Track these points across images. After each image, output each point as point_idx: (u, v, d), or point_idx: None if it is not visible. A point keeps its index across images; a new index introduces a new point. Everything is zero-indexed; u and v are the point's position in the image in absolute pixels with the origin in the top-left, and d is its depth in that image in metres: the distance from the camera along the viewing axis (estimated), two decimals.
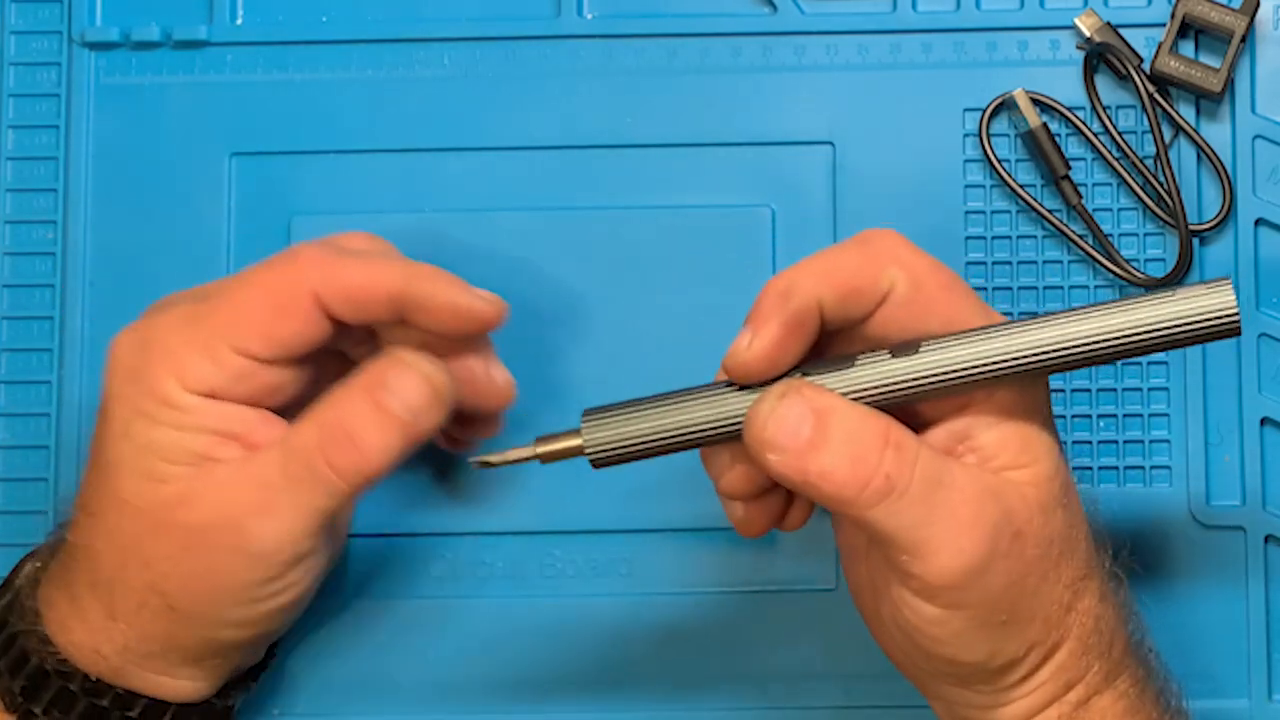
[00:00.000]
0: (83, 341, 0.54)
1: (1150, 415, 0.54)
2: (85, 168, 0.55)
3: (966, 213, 0.54)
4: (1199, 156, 0.54)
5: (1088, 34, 0.54)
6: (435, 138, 0.55)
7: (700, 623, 0.53)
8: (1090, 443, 0.53)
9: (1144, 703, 0.46)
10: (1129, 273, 0.53)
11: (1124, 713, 0.45)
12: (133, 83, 0.55)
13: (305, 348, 0.46)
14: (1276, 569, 0.53)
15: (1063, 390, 0.53)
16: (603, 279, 0.54)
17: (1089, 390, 0.54)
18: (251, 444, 0.45)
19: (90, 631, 0.46)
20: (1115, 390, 0.53)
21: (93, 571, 0.46)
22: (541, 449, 0.44)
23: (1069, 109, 0.54)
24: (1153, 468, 0.53)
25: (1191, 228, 0.53)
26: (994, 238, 0.54)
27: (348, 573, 0.54)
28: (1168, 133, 0.54)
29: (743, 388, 0.43)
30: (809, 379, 0.43)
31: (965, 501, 0.42)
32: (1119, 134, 0.54)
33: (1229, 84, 0.54)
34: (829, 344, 0.44)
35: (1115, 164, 0.54)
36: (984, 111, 0.54)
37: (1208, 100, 0.54)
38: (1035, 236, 0.54)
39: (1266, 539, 0.53)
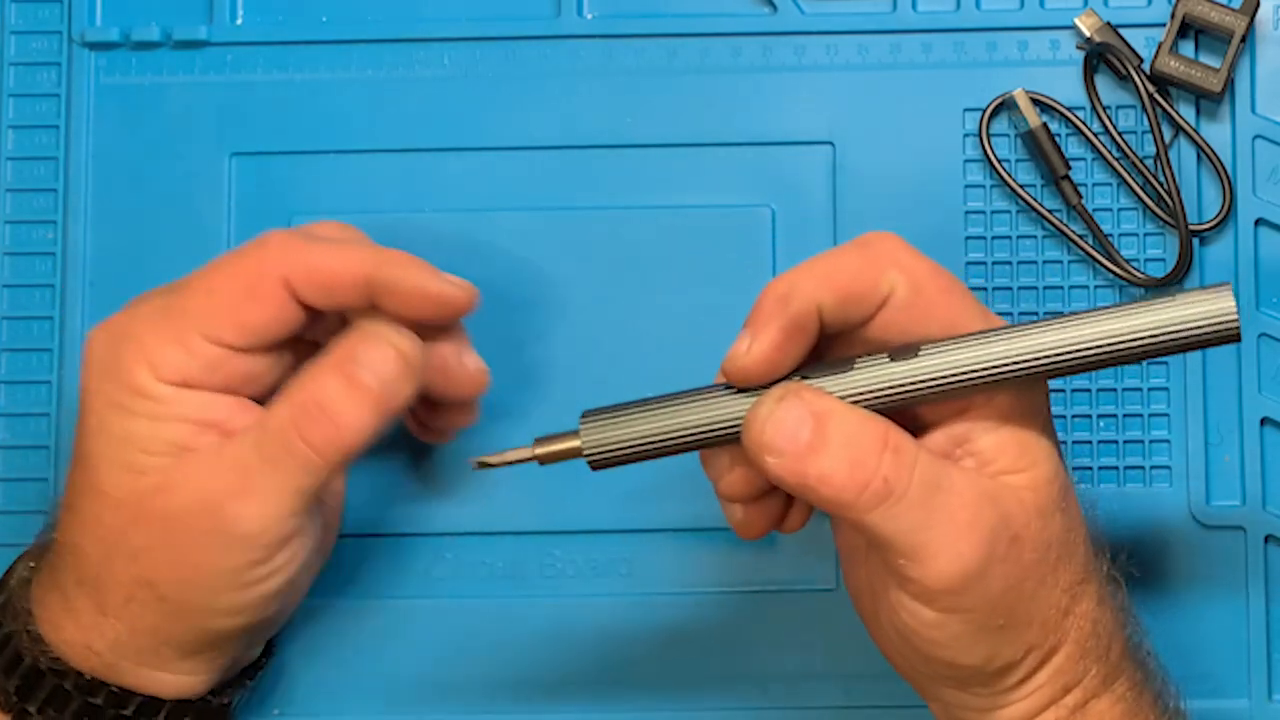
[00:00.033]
0: (82, 341, 0.54)
1: (1150, 415, 0.54)
2: (85, 168, 0.55)
3: (966, 213, 0.54)
4: (1199, 156, 0.54)
5: (1088, 34, 0.54)
6: (435, 138, 0.55)
7: (700, 623, 0.53)
8: (1090, 443, 0.53)
9: (1141, 706, 0.46)
10: (1129, 273, 0.53)
11: (1121, 716, 0.45)
12: (133, 83, 0.55)
13: (277, 334, 0.46)
14: (1276, 569, 0.53)
15: (1063, 390, 0.53)
16: (603, 279, 0.54)
17: (1089, 390, 0.54)
18: (229, 432, 0.45)
19: (81, 628, 0.46)
20: (1115, 390, 0.53)
21: (80, 568, 0.46)
22: (540, 450, 0.44)
23: (1069, 109, 0.54)
24: (1153, 468, 0.53)
25: (1191, 228, 0.53)
26: (994, 238, 0.54)
27: (348, 573, 0.54)
28: (1168, 133, 0.54)
29: (742, 390, 0.43)
30: (808, 382, 0.43)
31: (963, 506, 0.42)
32: (1119, 134, 0.54)
33: (1229, 84, 0.54)
34: (828, 347, 0.44)
35: (1115, 164, 0.54)
36: (984, 111, 0.54)
37: (1208, 100, 0.54)
38: (1035, 236, 0.54)
39: (1266, 539, 0.53)
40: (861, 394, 0.42)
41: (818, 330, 0.43)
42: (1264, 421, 0.53)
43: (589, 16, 0.55)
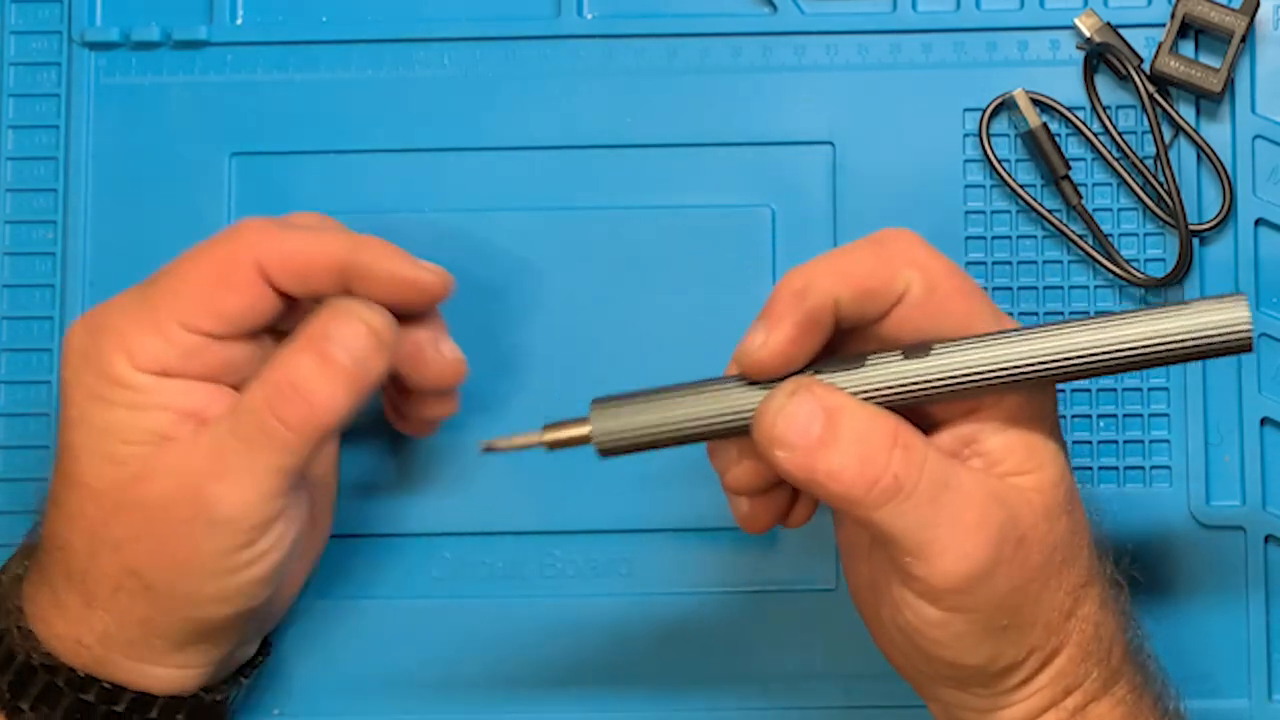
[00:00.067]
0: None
1: (1150, 415, 0.54)
2: (85, 168, 0.55)
3: (966, 213, 0.54)
4: (1199, 156, 0.54)
5: (1088, 34, 0.54)
6: (435, 138, 0.55)
7: (700, 623, 0.53)
8: (1090, 443, 0.53)
9: (1141, 709, 0.46)
10: (1129, 273, 0.53)
11: (1122, 719, 0.45)
12: (133, 83, 0.55)
13: (254, 321, 0.46)
14: (1276, 569, 0.53)
15: (1063, 391, 0.53)
16: (603, 279, 0.54)
17: (1089, 390, 0.53)
18: (208, 420, 0.45)
19: (70, 622, 0.46)
20: (1115, 390, 0.53)
21: (66, 561, 0.46)
22: (549, 436, 0.44)
23: (1069, 109, 0.54)
24: (1153, 468, 0.54)
25: (1191, 228, 0.53)
26: (994, 238, 0.54)
27: (348, 573, 0.54)
28: (1168, 133, 0.54)
29: (753, 383, 0.43)
30: (820, 377, 0.43)
31: (971, 505, 0.42)
32: (1119, 134, 0.54)
33: (1229, 84, 0.54)
34: (840, 343, 0.44)
35: (1115, 164, 0.54)
36: (984, 111, 0.54)
37: (1208, 100, 0.54)
38: (1035, 236, 0.54)
39: (1266, 539, 0.53)
40: (873, 390, 0.42)
41: (832, 325, 0.42)
42: (1264, 421, 0.53)
43: (589, 16, 0.55)
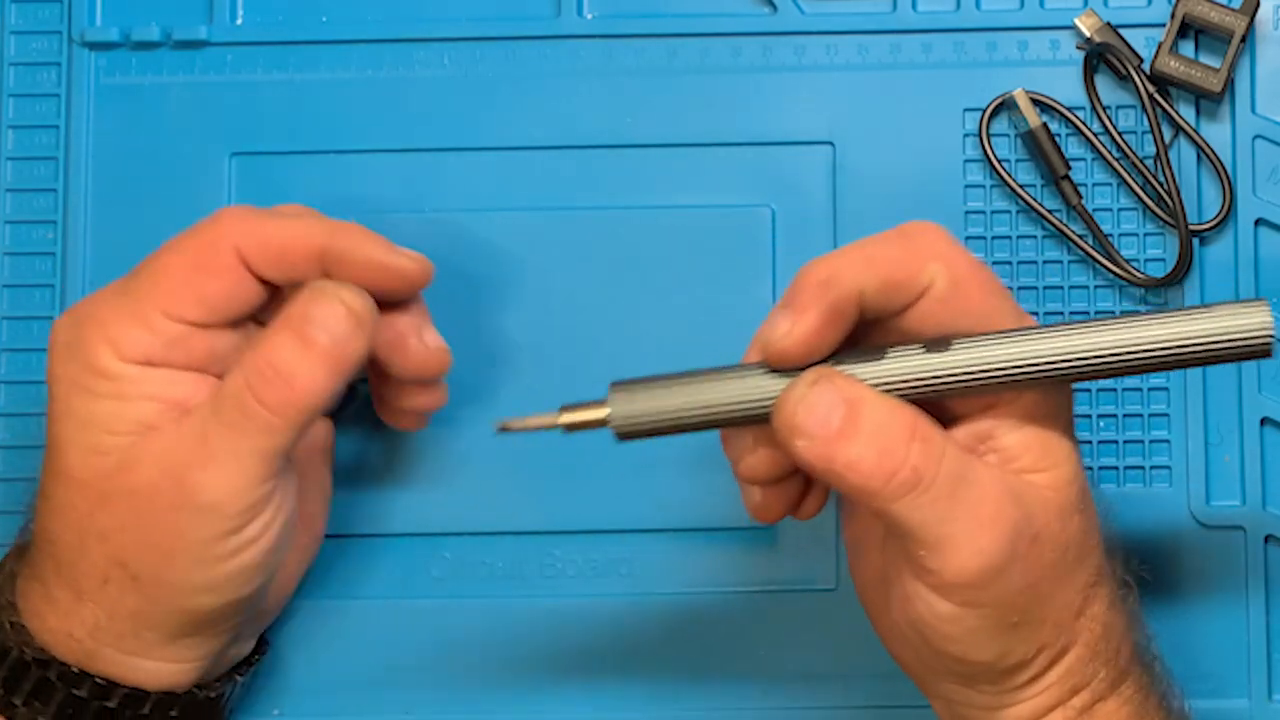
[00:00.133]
0: None
1: (1150, 415, 0.54)
2: (85, 168, 0.55)
3: (966, 213, 0.54)
4: (1199, 156, 0.54)
5: (1088, 34, 0.54)
6: (435, 138, 0.55)
7: (700, 623, 0.53)
8: (1090, 443, 0.53)
9: (1147, 709, 0.46)
10: (1129, 273, 0.53)
11: (1128, 718, 0.45)
12: (133, 83, 0.55)
13: (236, 309, 0.46)
14: (1276, 569, 0.53)
15: None
16: (603, 279, 0.54)
17: (1089, 390, 0.53)
18: (192, 410, 0.45)
19: (61, 615, 0.46)
20: (1115, 390, 0.53)
21: (56, 555, 0.46)
22: (565, 418, 0.44)
23: (1069, 109, 0.54)
24: (1153, 468, 0.54)
25: (1191, 228, 0.53)
26: (994, 238, 0.54)
27: (348, 573, 0.54)
28: (1168, 133, 0.54)
29: (773, 370, 0.43)
30: (840, 368, 0.42)
31: (987, 500, 0.42)
32: (1119, 134, 0.54)
33: (1229, 84, 0.54)
34: (861, 335, 0.44)
35: (1115, 164, 0.54)
36: (984, 111, 0.54)
37: (1208, 100, 0.54)
38: (1035, 236, 0.54)
39: (1266, 539, 0.53)
40: (892, 383, 0.42)
41: (856, 316, 0.42)
42: (1264, 421, 0.53)
43: (589, 16, 0.55)
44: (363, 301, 0.46)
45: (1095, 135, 0.54)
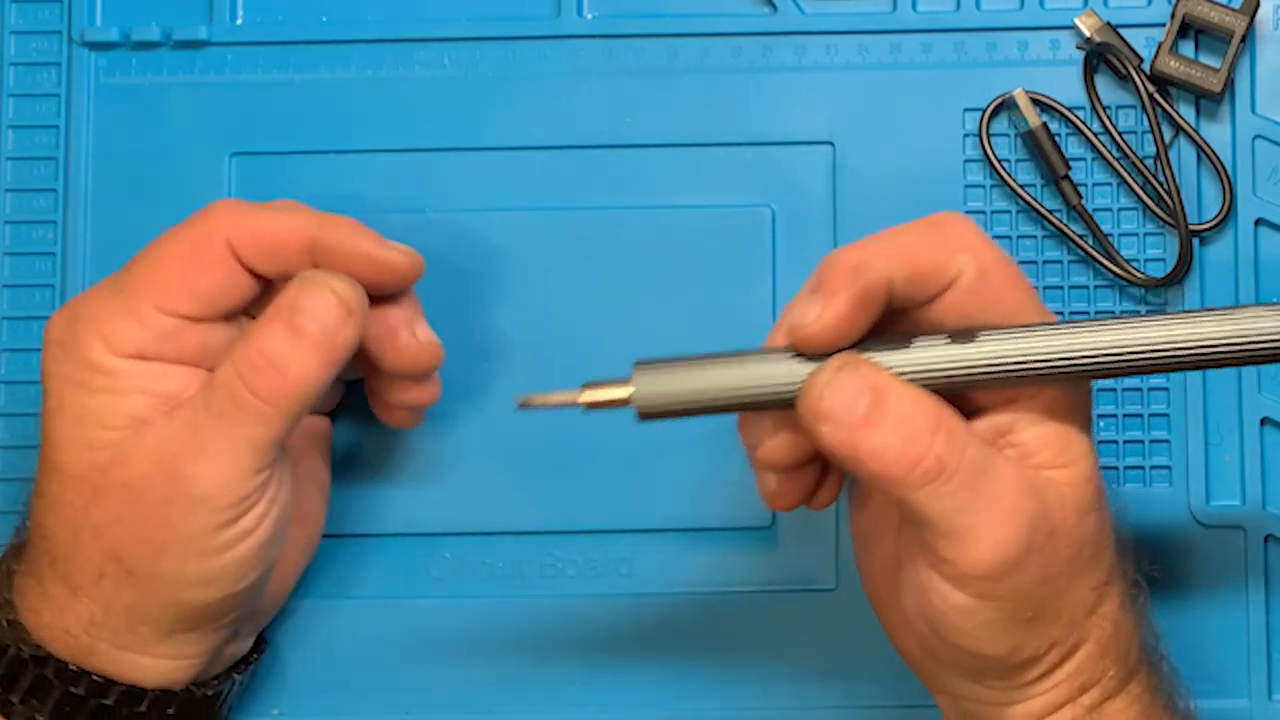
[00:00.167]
0: None
1: (1150, 415, 0.54)
2: (85, 168, 0.55)
3: (967, 213, 0.54)
4: (1199, 156, 0.54)
5: (1088, 34, 0.54)
6: (435, 138, 0.55)
7: (700, 623, 0.53)
8: None
9: (1155, 709, 0.46)
10: (1129, 273, 0.53)
11: (1136, 718, 0.45)
12: (133, 83, 0.55)
13: (228, 302, 0.46)
14: (1276, 569, 0.53)
15: None
16: (602, 279, 0.54)
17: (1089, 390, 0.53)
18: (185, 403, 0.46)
19: (57, 611, 0.46)
20: (1115, 390, 0.53)
21: (51, 550, 0.46)
22: (588, 395, 0.43)
23: (1069, 109, 0.54)
24: (1153, 468, 0.54)
25: (1191, 228, 0.53)
26: (994, 238, 0.54)
27: (348, 573, 0.54)
28: (1168, 133, 0.54)
29: (798, 355, 0.43)
30: (865, 355, 0.42)
31: (1008, 494, 0.42)
32: (1119, 134, 0.54)
33: (1229, 84, 0.54)
34: (884, 324, 0.44)
35: (1115, 164, 0.54)
36: (984, 111, 0.54)
37: (1208, 100, 0.54)
38: (1035, 236, 0.54)
39: (1266, 539, 0.53)
40: (917, 372, 0.42)
41: (885, 304, 0.42)
42: (1264, 421, 0.53)
43: (589, 16, 0.55)
44: (353, 291, 0.46)
45: (1095, 135, 0.54)
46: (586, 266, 0.54)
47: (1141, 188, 0.54)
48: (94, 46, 0.55)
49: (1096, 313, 0.54)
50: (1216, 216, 0.53)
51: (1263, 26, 0.54)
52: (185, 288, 0.46)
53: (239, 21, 0.55)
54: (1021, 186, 0.54)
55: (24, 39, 0.55)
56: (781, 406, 0.43)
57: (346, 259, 0.47)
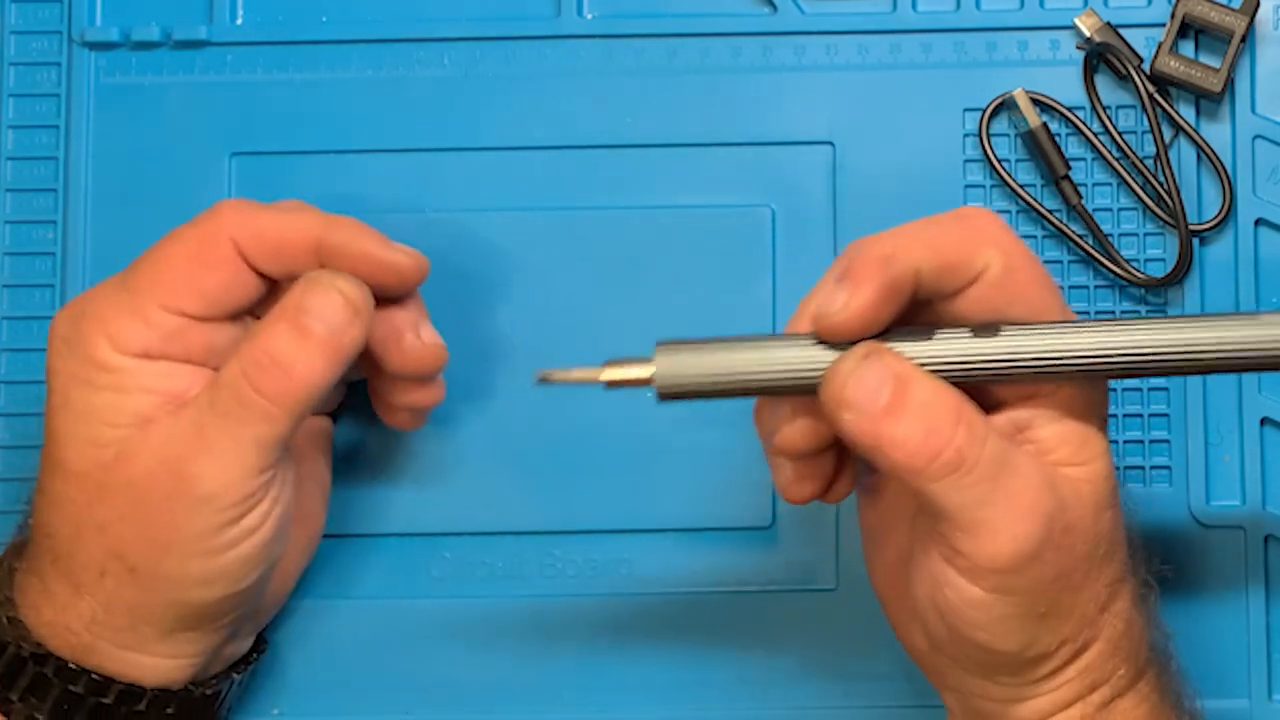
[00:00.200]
0: None
1: (1150, 415, 0.54)
2: (85, 168, 0.55)
3: None
4: (1199, 156, 0.54)
5: (1088, 34, 0.54)
6: (435, 138, 0.55)
7: (700, 623, 0.53)
8: None
9: (1164, 708, 0.46)
10: (1129, 273, 0.53)
11: (1144, 717, 0.45)
12: (133, 83, 0.55)
13: (234, 301, 0.46)
14: (1276, 569, 0.53)
15: None
16: (603, 279, 0.54)
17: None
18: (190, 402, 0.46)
19: (58, 609, 0.46)
20: (1115, 390, 0.53)
21: (53, 548, 0.46)
22: (609, 373, 0.43)
23: (1069, 109, 0.54)
24: (1153, 468, 0.54)
25: (1191, 228, 0.53)
26: None
27: (348, 573, 0.54)
28: (1168, 133, 0.54)
29: (821, 342, 0.43)
30: (889, 345, 0.42)
31: (1027, 488, 0.42)
32: (1119, 134, 0.54)
33: (1229, 84, 0.54)
34: (904, 316, 0.43)
35: (1115, 164, 0.54)
36: (984, 111, 0.54)
37: (1208, 100, 0.54)
38: (1035, 236, 0.54)
39: (1266, 539, 0.53)
40: (940, 364, 0.42)
41: (911, 295, 0.42)
42: (1264, 421, 0.53)
43: (589, 16, 0.55)
44: (359, 291, 0.46)
45: (1095, 135, 0.54)
46: (586, 266, 0.54)
47: (1141, 188, 0.54)
48: (94, 46, 0.55)
49: (1096, 313, 0.54)
50: (1216, 216, 0.53)
51: (1263, 26, 0.54)
52: (191, 287, 0.46)
53: (239, 21, 0.55)
54: (1021, 186, 0.54)
55: (24, 39, 0.55)
56: (802, 392, 0.43)
57: (352, 260, 0.47)
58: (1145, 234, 0.54)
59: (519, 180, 0.54)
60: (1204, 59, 0.54)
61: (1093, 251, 0.53)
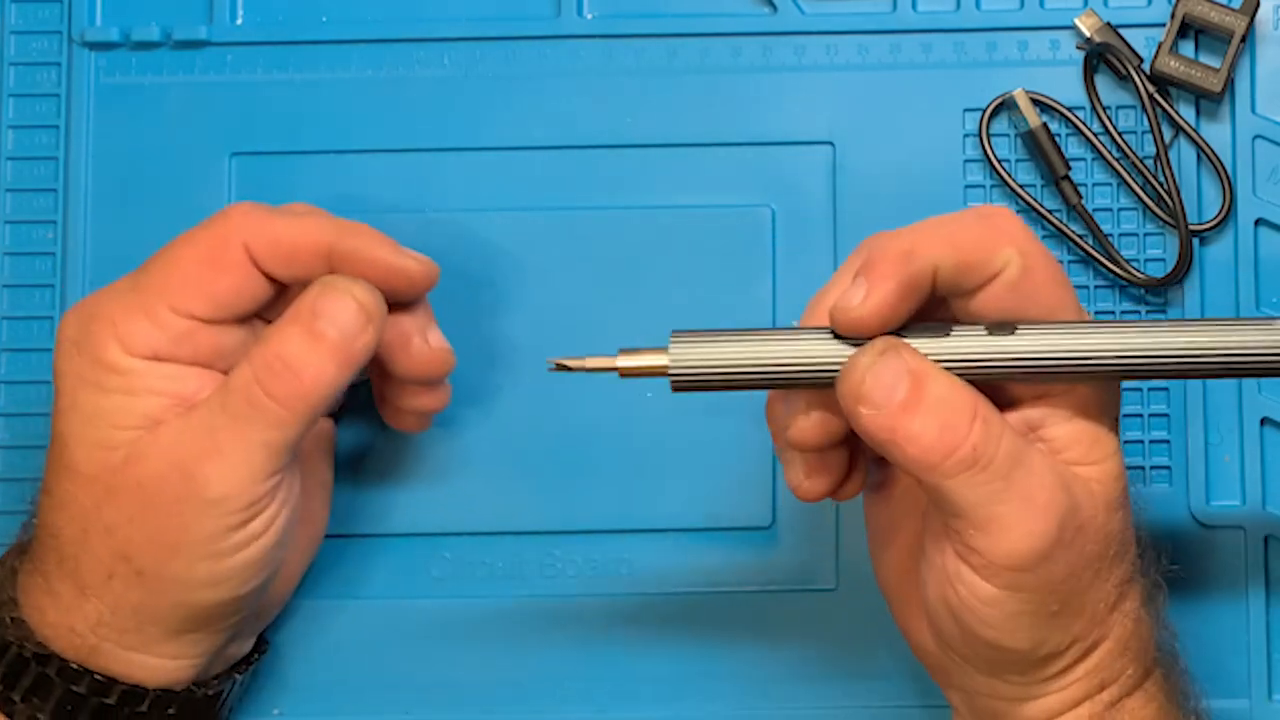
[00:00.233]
0: None
1: (1150, 415, 0.54)
2: (85, 168, 0.55)
3: None
4: (1199, 156, 0.54)
5: (1088, 34, 0.54)
6: (435, 138, 0.55)
7: (700, 623, 0.53)
8: None
9: (1170, 708, 0.46)
10: (1129, 273, 0.53)
11: (1152, 717, 0.45)
12: (133, 83, 0.55)
13: (244, 305, 0.46)
14: (1276, 569, 0.53)
15: None
16: (603, 279, 0.54)
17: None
18: (199, 405, 0.46)
19: (63, 610, 0.46)
20: None
21: (59, 549, 0.46)
22: (624, 361, 0.43)
23: (1069, 109, 0.54)
24: (1153, 468, 0.54)
25: (1191, 228, 0.53)
26: None
27: (348, 573, 0.54)
28: (1168, 133, 0.54)
29: (837, 336, 0.43)
30: (906, 340, 0.42)
31: (1041, 486, 0.42)
32: (1119, 134, 0.54)
33: (1229, 84, 0.54)
34: (920, 314, 0.44)
35: (1115, 164, 0.54)
36: (984, 111, 0.54)
37: (1208, 100, 0.54)
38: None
39: (1266, 539, 0.53)
40: (956, 361, 0.42)
41: (930, 292, 0.42)
42: (1264, 421, 0.53)
43: (589, 16, 0.55)
44: (373, 297, 0.46)
45: (1095, 135, 0.54)
46: (586, 266, 0.54)
47: (1141, 188, 0.54)
48: (94, 46, 0.55)
49: (1097, 313, 0.54)
50: (1216, 216, 0.53)
51: (1263, 26, 0.54)
52: (201, 290, 0.46)
53: (239, 21, 0.55)
54: (1021, 186, 0.54)
55: (24, 39, 0.55)
56: (817, 386, 0.43)
57: (364, 266, 0.47)
58: (1145, 234, 0.54)
59: (519, 180, 0.54)
60: (1204, 59, 0.54)
61: (1093, 251, 0.53)
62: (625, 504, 0.53)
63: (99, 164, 0.55)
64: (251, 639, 0.51)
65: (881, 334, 0.42)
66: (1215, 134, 0.54)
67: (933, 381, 0.41)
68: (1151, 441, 0.53)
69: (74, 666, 0.46)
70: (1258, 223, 0.54)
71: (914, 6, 0.55)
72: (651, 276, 0.54)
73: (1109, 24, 0.54)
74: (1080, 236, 0.54)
